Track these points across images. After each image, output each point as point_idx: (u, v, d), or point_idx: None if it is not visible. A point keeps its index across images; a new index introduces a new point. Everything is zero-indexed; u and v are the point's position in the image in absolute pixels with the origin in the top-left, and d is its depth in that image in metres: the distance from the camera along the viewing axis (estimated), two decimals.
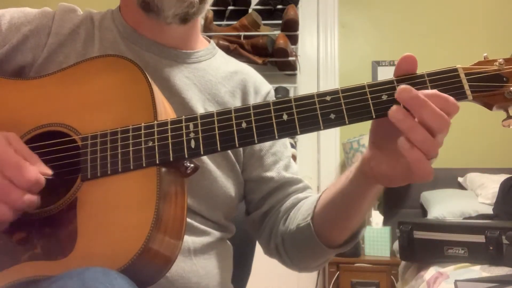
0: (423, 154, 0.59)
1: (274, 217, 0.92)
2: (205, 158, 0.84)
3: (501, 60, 0.63)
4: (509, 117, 0.63)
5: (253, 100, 0.94)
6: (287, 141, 1.00)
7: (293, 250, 0.88)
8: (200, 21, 0.93)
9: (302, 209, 0.87)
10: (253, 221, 0.95)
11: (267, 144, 0.94)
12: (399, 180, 0.66)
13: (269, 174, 0.92)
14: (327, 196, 0.81)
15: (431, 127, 0.59)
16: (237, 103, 0.92)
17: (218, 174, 0.86)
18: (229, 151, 0.89)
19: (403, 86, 0.60)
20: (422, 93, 0.60)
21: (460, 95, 0.62)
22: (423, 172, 0.60)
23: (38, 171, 0.63)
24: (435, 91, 0.61)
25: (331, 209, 0.80)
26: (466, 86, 0.63)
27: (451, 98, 0.60)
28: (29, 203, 0.62)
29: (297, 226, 0.84)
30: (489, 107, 0.64)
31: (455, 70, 0.63)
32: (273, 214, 0.92)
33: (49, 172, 0.64)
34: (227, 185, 0.88)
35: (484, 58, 0.64)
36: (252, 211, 0.95)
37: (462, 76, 0.63)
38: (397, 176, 0.66)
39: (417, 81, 0.63)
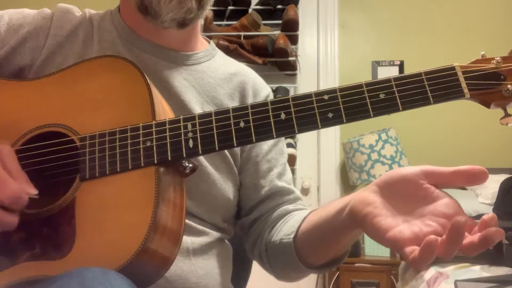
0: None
1: (261, 225, 0.92)
2: (203, 161, 0.84)
3: (498, 58, 0.63)
4: (507, 115, 0.63)
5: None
6: (283, 147, 0.99)
7: (274, 261, 0.88)
8: (200, 22, 0.93)
9: (288, 224, 0.86)
10: (241, 226, 0.96)
11: (263, 150, 0.93)
12: (387, 244, 0.59)
13: (262, 182, 0.92)
14: (312, 219, 0.80)
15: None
16: (235, 105, 0.91)
17: (217, 176, 0.86)
18: (228, 154, 0.88)
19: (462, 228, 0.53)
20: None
21: (457, 93, 0.62)
22: (418, 268, 0.57)
23: (20, 188, 0.62)
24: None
25: (313, 233, 0.79)
26: (464, 84, 0.62)
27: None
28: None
29: (280, 240, 0.84)
30: (487, 105, 0.64)
31: (453, 68, 0.63)
32: (261, 222, 0.92)
33: (34, 192, 0.64)
34: (225, 187, 0.88)
35: (482, 56, 0.64)
36: (241, 217, 0.95)
37: (460, 74, 0.63)
38: (387, 240, 0.59)
39: (415, 80, 0.63)
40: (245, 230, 0.95)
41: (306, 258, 0.81)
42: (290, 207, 0.92)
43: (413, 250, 0.55)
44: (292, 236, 0.82)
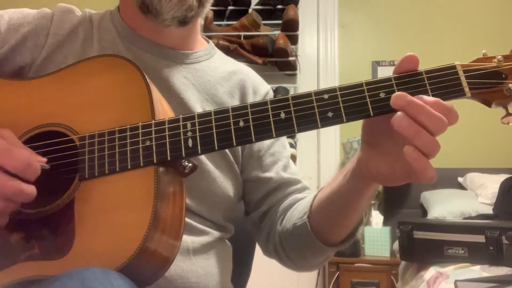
0: (428, 162, 0.58)
1: (272, 217, 0.91)
2: (203, 159, 0.84)
3: (500, 57, 0.63)
4: (508, 114, 0.62)
5: (251, 100, 0.94)
6: (286, 141, 0.99)
7: (291, 250, 0.88)
8: (199, 21, 0.93)
9: (298, 208, 0.86)
10: (252, 221, 0.95)
11: (265, 144, 0.94)
12: (401, 180, 0.65)
13: (268, 174, 0.92)
14: (324, 194, 0.80)
15: (429, 130, 0.58)
16: (235, 103, 0.91)
17: (217, 174, 0.86)
18: (228, 152, 0.88)
19: (396, 94, 0.60)
20: (423, 99, 0.59)
21: (458, 92, 0.62)
22: (429, 177, 0.59)
23: (31, 155, 0.62)
24: (437, 99, 0.60)
25: (327, 208, 0.79)
26: (465, 83, 0.62)
27: (453, 108, 0.59)
28: (17, 189, 0.60)
29: (293, 225, 0.84)
30: (488, 104, 0.63)
31: (454, 67, 0.63)
32: (271, 215, 0.92)
33: (43, 159, 0.64)
34: (226, 185, 0.88)
35: (483, 55, 0.64)
36: (251, 212, 0.95)
37: (461, 73, 0.62)
38: (397, 176, 0.64)
39: (415, 79, 0.63)
40: (256, 225, 0.95)
41: (325, 235, 0.81)
42: (298, 196, 0.92)
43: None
44: (305, 216, 0.81)
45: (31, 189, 0.62)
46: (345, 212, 0.77)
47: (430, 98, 0.59)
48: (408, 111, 0.58)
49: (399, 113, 0.59)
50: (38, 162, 0.63)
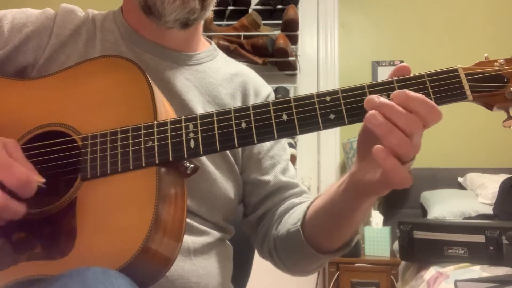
0: (398, 162, 0.58)
1: (269, 220, 0.91)
2: (204, 160, 0.84)
3: (501, 60, 0.63)
4: (509, 117, 0.63)
5: (253, 102, 0.94)
6: (285, 144, 0.99)
7: (284, 255, 0.88)
8: (202, 23, 0.93)
9: (294, 214, 0.86)
10: (249, 224, 0.95)
11: (265, 147, 0.93)
12: (380, 188, 0.64)
13: (266, 177, 0.92)
14: (319, 203, 0.80)
15: (403, 129, 0.58)
16: (237, 105, 0.91)
17: (218, 175, 0.86)
18: (228, 153, 0.89)
19: (367, 97, 0.60)
20: (409, 94, 0.59)
21: (460, 96, 0.62)
22: (400, 180, 0.59)
23: (29, 173, 0.62)
24: (421, 96, 0.59)
25: (321, 217, 0.79)
26: (466, 87, 0.62)
27: (435, 106, 0.59)
28: (4, 206, 0.60)
29: (287, 230, 0.84)
30: (490, 107, 0.64)
31: (455, 70, 0.63)
32: (268, 218, 0.92)
33: (41, 179, 0.63)
34: (227, 186, 0.88)
35: (485, 59, 0.64)
36: (248, 214, 0.95)
37: (462, 76, 0.63)
38: (377, 184, 0.64)
39: (417, 81, 0.63)
40: (253, 228, 0.95)
41: (317, 243, 0.81)
42: (296, 200, 0.91)
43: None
44: (299, 223, 0.81)
45: (20, 208, 0.62)
46: (339, 224, 0.77)
47: (414, 94, 0.59)
48: (381, 111, 0.58)
49: (371, 111, 0.59)
50: (36, 181, 0.63)
